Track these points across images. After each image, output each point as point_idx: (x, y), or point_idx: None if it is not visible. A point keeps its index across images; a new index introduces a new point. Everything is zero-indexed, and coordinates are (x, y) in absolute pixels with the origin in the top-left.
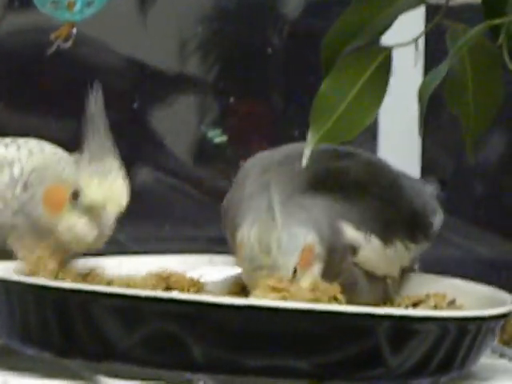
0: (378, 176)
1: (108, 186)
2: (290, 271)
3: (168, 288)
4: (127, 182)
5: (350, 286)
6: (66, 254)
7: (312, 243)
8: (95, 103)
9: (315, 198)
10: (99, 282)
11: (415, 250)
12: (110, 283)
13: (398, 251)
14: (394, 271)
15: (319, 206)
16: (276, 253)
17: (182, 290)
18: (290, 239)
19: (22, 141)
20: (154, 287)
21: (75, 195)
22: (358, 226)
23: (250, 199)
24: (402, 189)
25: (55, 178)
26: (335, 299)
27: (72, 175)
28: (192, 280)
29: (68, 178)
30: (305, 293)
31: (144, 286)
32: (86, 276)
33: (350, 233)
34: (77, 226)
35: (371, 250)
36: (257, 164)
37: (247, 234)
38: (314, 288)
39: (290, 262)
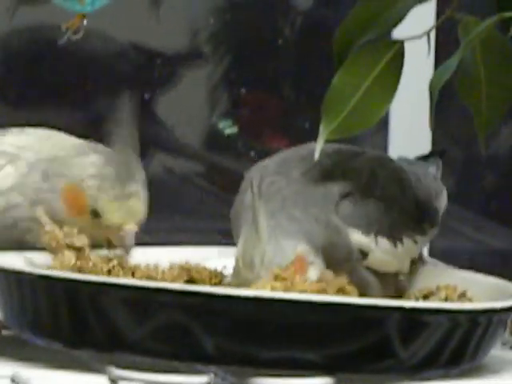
0: (381, 175)
1: (128, 208)
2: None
3: (189, 279)
4: (147, 195)
5: (361, 284)
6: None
7: (302, 253)
8: (124, 114)
9: (309, 208)
10: (122, 273)
11: (423, 241)
12: (133, 273)
13: (407, 247)
14: (405, 267)
15: (313, 216)
16: (259, 267)
17: (203, 281)
18: (276, 252)
19: (30, 129)
20: (176, 279)
21: (95, 214)
22: (366, 229)
23: (245, 212)
24: (406, 182)
25: (77, 180)
26: (343, 291)
27: (94, 191)
28: (213, 272)
29: (89, 192)
30: (311, 284)
31: (165, 278)
32: (109, 263)
33: (358, 238)
34: (99, 235)
35: (381, 252)
36: (256, 173)
37: (237, 248)
38: (320, 279)
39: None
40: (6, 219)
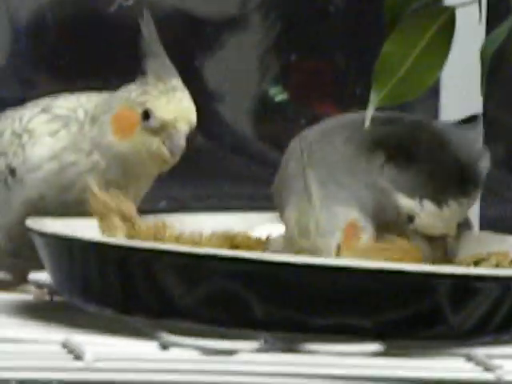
0: (423, 138)
1: (176, 103)
2: (332, 252)
3: (233, 247)
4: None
5: None
6: (139, 182)
7: (354, 219)
8: (148, 29)
9: (356, 174)
10: (168, 239)
11: (468, 203)
12: (177, 240)
13: (453, 209)
14: (452, 230)
15: (361, 181)
16: (315, 235)
17: (247, 249)
18: (329, 220)
19: (78, 94)
20: (220, 246)
21: (146, 115)
22: (411, 193)
23: (292, 181)
24: (447, 144)
25: (122, 102)
26: (407, 253)
27: (139, 97)
28: (257, 239)
29: (135, 101)
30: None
31: (210, 245)
32: (158, 230)
33: (404, 202)
34: (152, 145)
35: (427, 216)
36: (298, 143)
37: (288, 217)
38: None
39: (330, 242)
40: (61, 180)
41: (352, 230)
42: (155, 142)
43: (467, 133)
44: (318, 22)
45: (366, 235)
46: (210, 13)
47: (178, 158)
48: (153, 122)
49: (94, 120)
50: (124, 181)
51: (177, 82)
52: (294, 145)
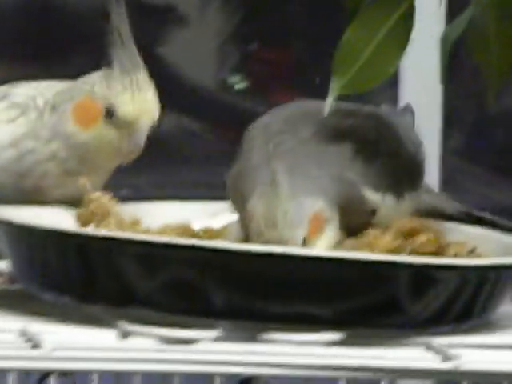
0: (384, 131)
1: (141, 99)
2: (299, 243)
3: (193, 236)
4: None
5: None
6: (99, 172)
7: (320, 210)
8: (119, 16)
9: (324, 166)
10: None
11: (417, 196)
12: (136, 228)
13: (407, 203)
14: None
15: (329, 174)
16: (282, 226)
17: (207, 238)
18: (297, 210)
19: (38, 82)
20: (180, 235)
21: (108, 110)
22: (376, 187)
23: (256, 171)
24: (400, 137)
25: (85, 93)
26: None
27: (103, 91)
28: (217, 228)
29: (99, 94)
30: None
31: (170, 234)
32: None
33: (370, 196)
34: (113, 140)
35: (387, 209)
36: (260, 132)
37: (253, 208)
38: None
39: (297, 233)
40: (20, 168)
41: (317, 223)
42: (116, 137)
43: (408, 123)
44: (279, 10)
45: (332, 228)
46: (171, 0)
47: (138, 153)
48: (115, 118)
49: (54, 108)
50: (83, 170)
51: (143, 76)
52: (255, 134)
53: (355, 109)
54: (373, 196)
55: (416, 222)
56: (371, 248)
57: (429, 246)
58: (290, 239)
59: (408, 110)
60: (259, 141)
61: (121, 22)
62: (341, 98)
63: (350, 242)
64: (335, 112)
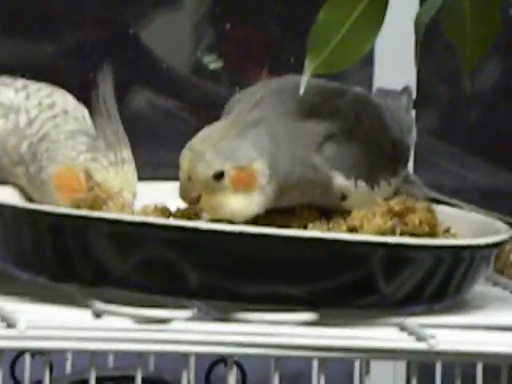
0: (363, 116)
1: (123, 176)
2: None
3: (168, 216)
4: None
5: None
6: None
7: (256, 169)
8: (105, 85)
9: (291, 141)
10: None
11: (395, 182)
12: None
13: (382, 189)
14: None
15: (290, 152)
16: (209, 158)
17: (181, 217)
18: (229, 150)
19: (33, 88)
20: (156, 215)
21: (91, 188)
22: (347, 173)
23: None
24: (383, 122)
25: (68, 160)
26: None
27: (88, 163)
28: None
29: (83, 166)
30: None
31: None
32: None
33: (340, 181)
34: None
35: (359, 195)
36: (246, 96)
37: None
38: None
39: (214, 168)
40: None
41: (244, 176)
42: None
43: (400, 104)
44: None
45: (262, 196)
46: None
47: None
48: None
49: (35, 155)
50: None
51: (127, 153)
52: (241, 97)
53: (344, 90)
54: (344, 182)
55: (409, 202)
56: (362, 230)
57: (422, 227)
58: (202, 172)
59: (406, 91)
60: (243, 103)
61: (107, 90)
62: (315, 77)
63: (338, 222)
64: (323, 90)
